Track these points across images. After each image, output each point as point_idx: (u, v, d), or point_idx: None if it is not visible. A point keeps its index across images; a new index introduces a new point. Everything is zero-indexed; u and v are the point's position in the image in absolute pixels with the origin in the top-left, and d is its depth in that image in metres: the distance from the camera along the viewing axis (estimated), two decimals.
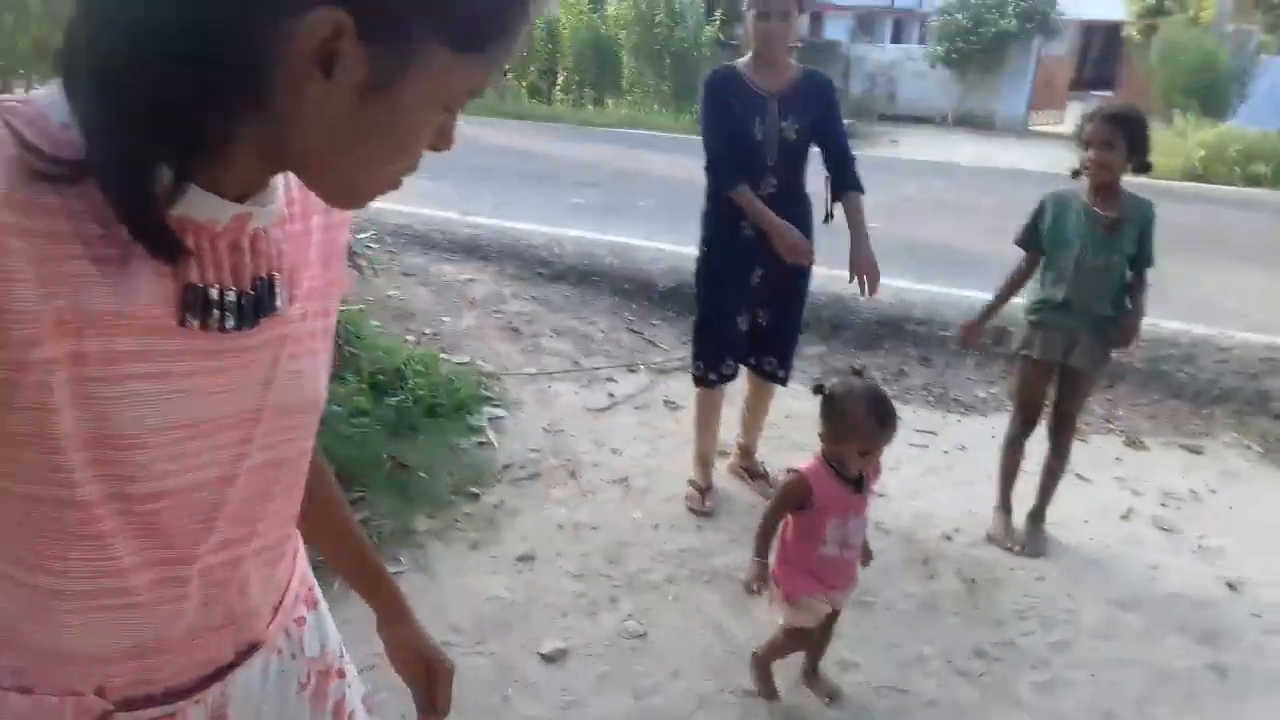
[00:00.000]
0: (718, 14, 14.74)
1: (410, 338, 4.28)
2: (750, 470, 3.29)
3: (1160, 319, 4.62)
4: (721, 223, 2.94)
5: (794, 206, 2.89)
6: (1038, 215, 2.86)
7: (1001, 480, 3.11)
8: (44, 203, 0.56)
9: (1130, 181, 2.76)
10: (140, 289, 0.60)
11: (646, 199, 7.72)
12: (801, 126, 2.85)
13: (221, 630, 0.76)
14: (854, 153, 3.03)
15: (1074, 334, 2.82)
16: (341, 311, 3.57)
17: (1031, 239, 2.89)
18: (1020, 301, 3.03)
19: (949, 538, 3.03)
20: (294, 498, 0.80)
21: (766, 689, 2.25)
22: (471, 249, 5.79)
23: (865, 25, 18.61)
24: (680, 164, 9.11)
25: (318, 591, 0.94)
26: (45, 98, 0.58)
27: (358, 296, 4.52)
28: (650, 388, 4.09)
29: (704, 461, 3.17)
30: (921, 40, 17.92)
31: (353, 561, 1.02)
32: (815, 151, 2.94)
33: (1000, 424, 3.28)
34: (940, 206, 7.97)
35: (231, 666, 0.78)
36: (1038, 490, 3.07)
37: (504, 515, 2.98)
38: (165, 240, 0.59)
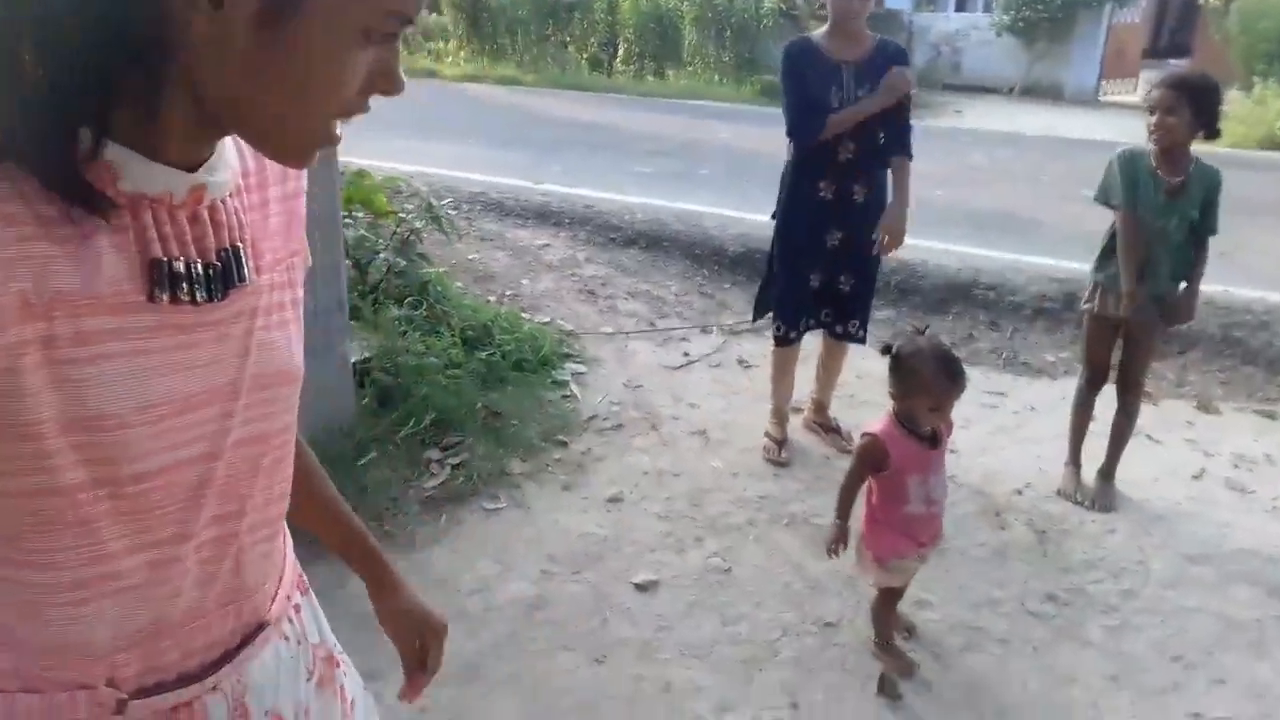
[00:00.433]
0: None
1: (492, 298, 4.48)
2: (824, 425, 3.42)
3: (1235, 286, 4.61)
4: (800, 186, 3.06)
5: (870, 172, 3.00)
6: (1109, 172, 2.93)
7: (1072, 436, 3.19)
8: None
9: (1209, 152, 2.79)
10: (104, 267, 0.59)
11: (710, 167, 7.80)
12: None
13: (223, 610, 0.75)
14: (917, 123, 3.12)
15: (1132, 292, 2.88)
16: (428, 272, 3.75)
17: (1114, 191, 2.95)
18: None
19: (1019, 492, 3.12)
20: (282, 473, 0.79)
21: (901, 664, 2.27)
22: (544, 215, 5.97)
23: None
24: (743, 133, 9.18)
25: (305, 579, 0.93)
26: None
27: (440, 259, 4.73)
28: (723, 348, 4.23)
29: (780, 415, 3.31)
30: (987, 8, 17.49)
31: (341, 534, 1.00)
32: None
33: (1070, 387, 3.34)
34: (1006, 175, 7.89)
35: (240, 648, 0.77)
36: (1107, 448, 3.14)
37: (591, 461, 3.16)
38: (93, 198, 0.58)
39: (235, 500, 0.72)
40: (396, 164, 6.35)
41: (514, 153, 7.08)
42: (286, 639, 0.83)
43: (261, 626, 0.79)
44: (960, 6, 19.03)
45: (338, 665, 0.93)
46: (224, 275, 0.67)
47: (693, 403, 3.65)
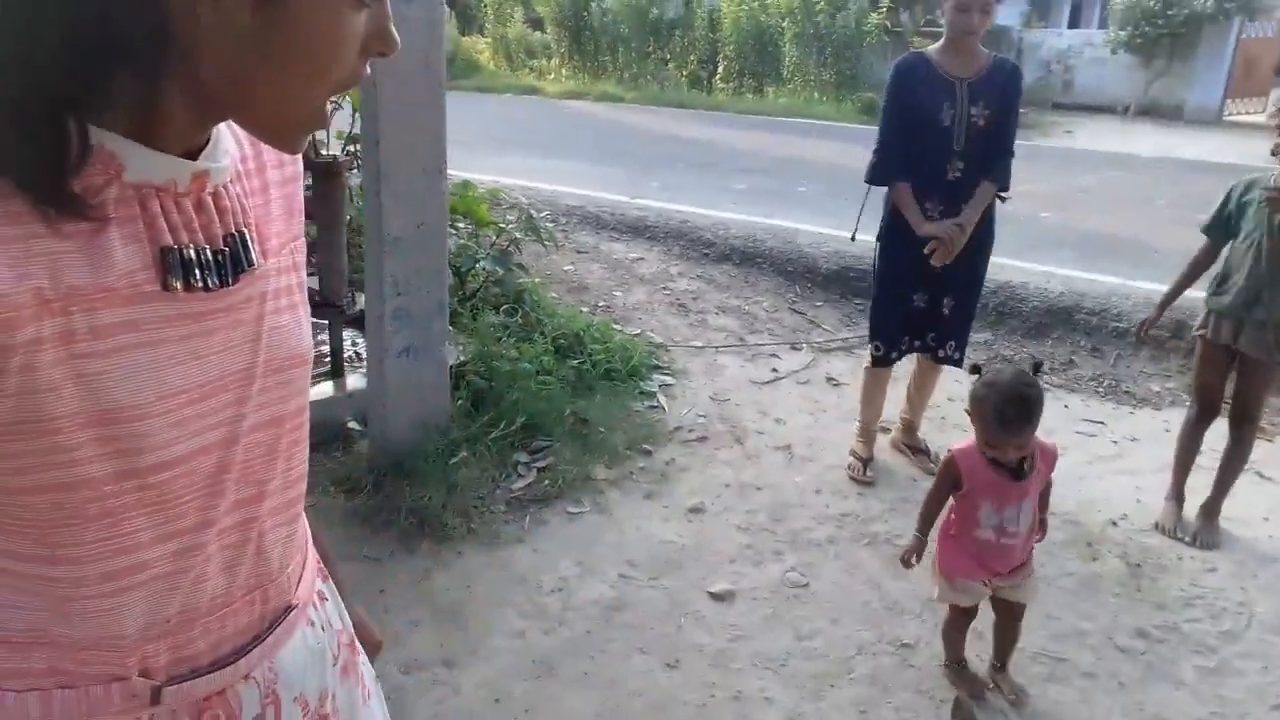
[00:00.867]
0: (884, 1, 14.45)
1: (585, 309, 4.59)
2: (912, 446, 3.39)
3: None
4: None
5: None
6: (1225, 200, 2.84)
7: (1176, 469, 3.07)
8: None
9: None
10: (116, 259, 0.60)
11: (808, 185, 7.78)
12: (990, 113, 2.92)
13: (249, 595, 0.75)
14: (1026, 142, 3.06)
15: (1243, 319, 2.79)
16: (525, 281, 3.88)
17: (1217, 225, 2.87)
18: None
19: (1114, 523, 3.02)
20: (299, 456, 0.79)
21: (972, 686, 2.25)
22: (639, 229, 6.07)
23: (1040, 9, 17.69)
24: (842, 152, 9.11)
25: (324, 567, 0.94)
26: None
27: (537, 270, 4.88)
28: (813, 365, 4.22)
29: (867, 434, 3.30)
30: (1102, 24, 16.87)
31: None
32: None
33: (1175, 419, 3.22)
34: (1117, 197, 7.61)
35: (269, 631, 0.78)
36: (1214, 483, 3.02)
37: (675, 471, 3.21)
38: (85, 209, 0.58)
39: (255, 484, 0.73)
40: (498, 177, 6.57)
41: (612, 168, 7.24)
42: (313, 625, 0.84)
43: (288, 610, 0.80)
44: (1074, 23, 18.44)
45: (358, 652, 0.94)
46: (233, 261, 0.68)
47: (779, 418, 3.66)
